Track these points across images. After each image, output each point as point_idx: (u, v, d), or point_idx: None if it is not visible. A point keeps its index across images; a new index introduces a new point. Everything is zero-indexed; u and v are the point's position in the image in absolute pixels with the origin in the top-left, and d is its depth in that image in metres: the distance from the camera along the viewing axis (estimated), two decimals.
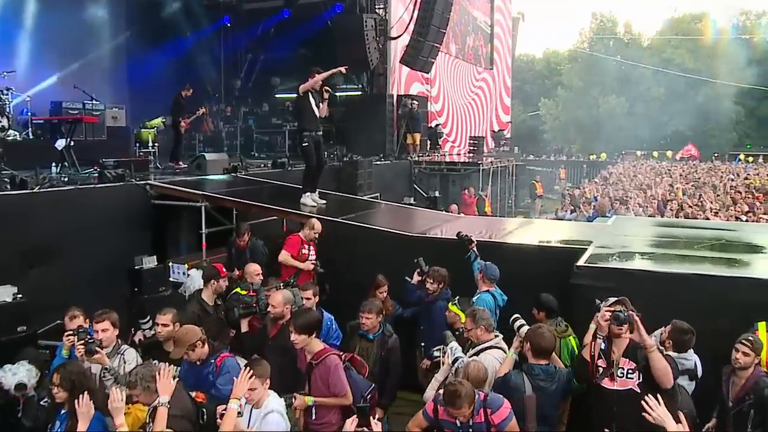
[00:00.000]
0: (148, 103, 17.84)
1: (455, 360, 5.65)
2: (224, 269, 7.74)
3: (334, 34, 21.00)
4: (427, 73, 23.23)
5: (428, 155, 23.41)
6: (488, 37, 35.55)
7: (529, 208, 27.34)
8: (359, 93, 23.05)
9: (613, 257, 7.74)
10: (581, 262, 7.19)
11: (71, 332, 5.76)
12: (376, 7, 21.44)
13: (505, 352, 5.74)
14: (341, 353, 5.76)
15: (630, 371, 4.94)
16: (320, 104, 11.07)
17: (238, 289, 7.39)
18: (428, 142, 24.32)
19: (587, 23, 72.86)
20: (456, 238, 8.30)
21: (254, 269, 8.00)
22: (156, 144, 14.42)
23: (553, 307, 6.61)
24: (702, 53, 63.66)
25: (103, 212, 9.87)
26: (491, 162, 22.88)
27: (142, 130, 14.57)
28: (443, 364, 5.78)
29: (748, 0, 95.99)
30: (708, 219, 13.58)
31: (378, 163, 19.10)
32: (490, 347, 5.83)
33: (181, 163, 14.25)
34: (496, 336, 5.97)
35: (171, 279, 9.28)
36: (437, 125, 26.34)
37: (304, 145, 11.04)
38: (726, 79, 62.11)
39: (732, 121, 63.95)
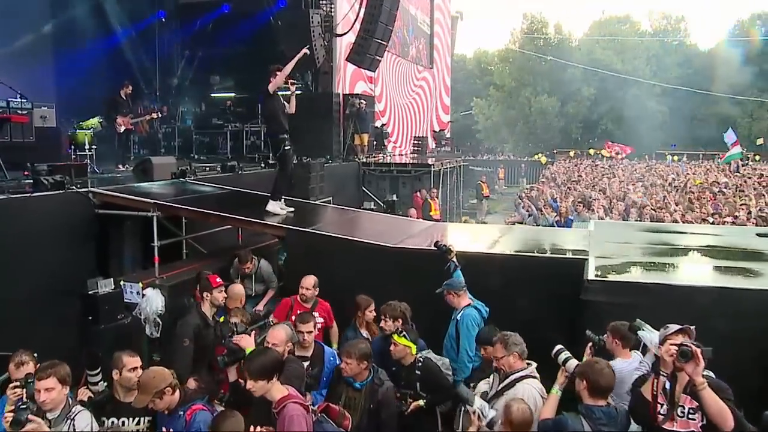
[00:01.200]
0: (78, 102, 16.57)
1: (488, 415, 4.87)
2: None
3: (279, 30, 20.13)
4: (374, 71, 22.55)
5: (374, 156, 22.70)
6: (428, 36, 35.09)
7: (475, 209, 27.03)
8: (300, 92, 22.17)
9: (621, 268, 7.20)
10: (590, 275, 6.59)
11: (18, 383, 4.70)
12: (321, 2, 20.59)
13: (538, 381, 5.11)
14: (306, 401, 4.84)
15: (691, 411, 4.29)
16: (288, 101, 10.26)
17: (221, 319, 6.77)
18: (374, 142, 23.62)
19: (518, 23, 73.47)
20: (435, 248, 7.64)
21: (238, 292, 7.19)
22: (94, 147, 13.15)
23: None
24: (629, 55, 65.19)
25: (40, 225, 8.79)
26: (442, 163, 22.31)
27: (78, 131, 13.29)
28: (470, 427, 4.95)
29: (669, 4, 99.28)
30: (677, 221, 13.33)
31: (326, 165, 18.32)
32: (525, 377, 5.15)
33: (121, 167, 13.14)
34: (529, 364, 5.28)
35: (125, 300, 8.30)
36: (382, 125, 25.66)
37: (286, 149, 10.20)
38: (652, 80, 63.98)
39: (659, 120, 65.77)
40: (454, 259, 7.38)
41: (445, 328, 6.92)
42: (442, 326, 6.96)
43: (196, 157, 19.39)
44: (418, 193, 19.96)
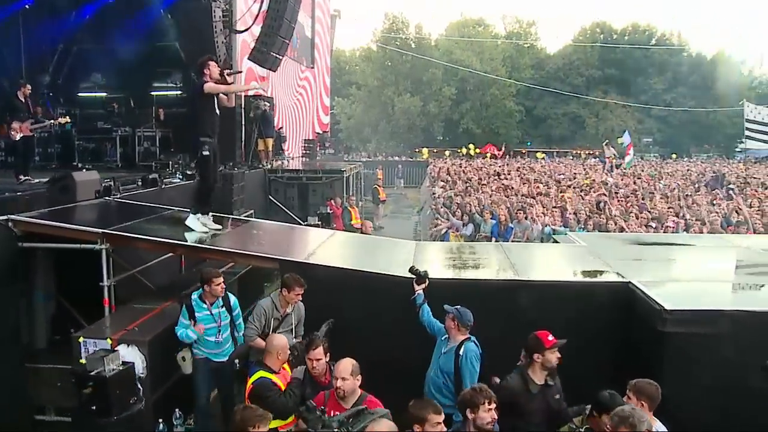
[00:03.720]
0: None
1: None
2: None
3: (173, 24, 18.25)
4: (275, 71, 21.07)
5: (275, 162, 21.27)
6: (310, 34, 33.80)
7: (372, 213, 26.20)
8: (179, 93, 20.38)
9: (686, 294, 6.62)
10: (667, 305, 6.01)
11: None
12: None
13: None
14: None
15: None
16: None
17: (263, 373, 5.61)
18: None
19: (380, 23, 73.56)
20: (412, 272, 6.88)
21: (283, 345, 5.84)
22: None
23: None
24: (486, 56, 67.11)
25: None
26: (351, 168, 21.25)
27: None
28: None
29: (521, 8, 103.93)
30: (624, 229, 13.12)
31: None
32: None
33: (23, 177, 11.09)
34: None
35: (83, 361, 6.63)
36: (280, 128, 24.18)
37: (204, 154, 8.74)
38: (506, 81, 66.38)
39: (515, 119, 68.38)
40: (421, 291, 6.78)
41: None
42: None
43: (79, 165, 17.07)
44: (333, 201, 18.80)
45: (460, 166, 33.25)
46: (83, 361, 6.61)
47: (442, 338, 6.42)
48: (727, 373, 5.71)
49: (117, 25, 19.06)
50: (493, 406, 4.67)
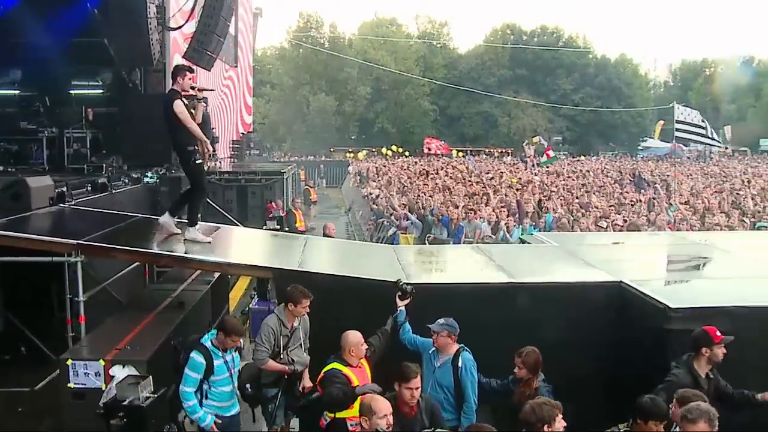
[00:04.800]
0: None
1: None
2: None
3: (106, 20, 17.28)
4: (209, 70, 20.38)
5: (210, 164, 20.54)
6: (233, 32, 32.90)
7: (303, 215, 25.78)
8: (102, 92, 19.37)
9: (684, 292, 6.74)
10: (670, 303, 6.10)
11: None
12: None
13: None
14: None
15: None
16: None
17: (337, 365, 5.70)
18: None
19: (294, 22, 72.66)
20: (397, 288, 6.53)
21: (356, 341, 5.81)
22: None
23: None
24: (400, 55, 67.58)
25: None
26: (289, 169, 20.80)
27: None
28: None
29: (434, 8, 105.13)
30: (575, 226, 13.38)
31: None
32: None
33: None
34: None
35: (71, 385, 6.13)
36: (212, 129, 23.34)
37: (197, 162, 8.26)
38: (420, 80, 67.10)
39: (429, 118, 69.19)
40: (404, 308, 6.51)
41: None
42: None
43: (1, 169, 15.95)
44: (274, 204, 18.34)
45: (384, 166, 33.20)
46: (72, 385, 6.15)
47: (430, 352, 6.19)
48: (727, 367, 5.80)
49: (37, 20, 17.88)
50: (559, 417, 4.52)
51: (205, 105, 19.61)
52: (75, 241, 7.09)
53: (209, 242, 8.10)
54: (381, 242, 17.06)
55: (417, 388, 5.24)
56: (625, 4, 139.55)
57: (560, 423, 4.44)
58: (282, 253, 8.33)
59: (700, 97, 75.51)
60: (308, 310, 6.38)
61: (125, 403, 5.00)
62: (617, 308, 6.94)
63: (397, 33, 70.89)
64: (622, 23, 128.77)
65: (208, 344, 6.04)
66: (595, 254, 9.00)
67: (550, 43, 71.68)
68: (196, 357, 5.93)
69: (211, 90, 8.59)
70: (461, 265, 8.50)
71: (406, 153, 55.05)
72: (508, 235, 14.26)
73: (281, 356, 6.33)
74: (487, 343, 6.34)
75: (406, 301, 6.48)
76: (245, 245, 8.67)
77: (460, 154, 56.17)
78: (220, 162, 23.31)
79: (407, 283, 6.50)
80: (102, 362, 6.09)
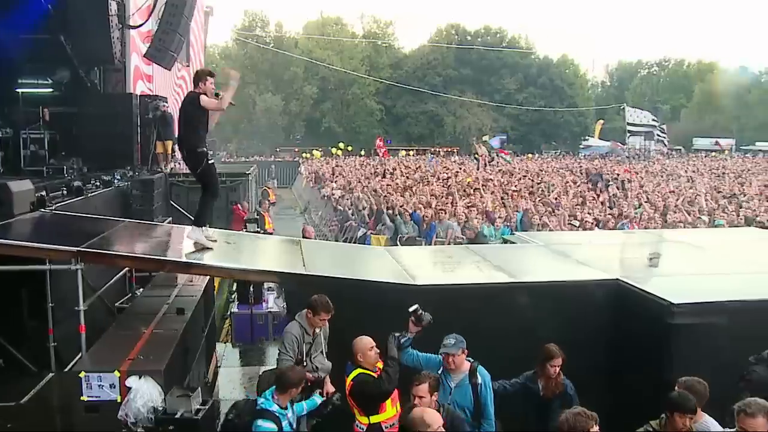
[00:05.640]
0: None
1: None
2: None
3: (63, 17, 16.71)
4: (170, 69, 19.96)
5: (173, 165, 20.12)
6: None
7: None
8: (54, 90, 18.74)
9: (678, 288, 6.92)
10: (674, 299, 6.32)
11: None
12: None
13: None
14: None
15: None
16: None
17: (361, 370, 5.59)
18: None
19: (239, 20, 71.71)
20: (414, 315, 6.10)
21: (362, 347, 5.69)
22: None
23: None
24: (346, 55, 67.53)
25: None
26: (252, 170, 20.52)
27: None
28: None
29: (379, 8, 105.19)
30: (546, 225, 13.62)
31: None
32: None
33: None
34: None
35: (84, 398, 5.93)
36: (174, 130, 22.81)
37: (209, 163, 8.04)
38: (366, 79, 67.21)
39: (375, 118, 69.35)
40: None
41: None
42: None
43: None
44: (239, 205, 18.07)
45: (337, 165, 33.11)
46: (85, 398, 5.96)
47: (439, 372, 5.84)
48: (728, 357, 6.01)
49: None
50: (597, 428, 4.46)
51: (167, 106, 19.35)
52: (75, 248, 6.82)
53: (211, 247, 7.89)
54: (348, 242, 17.06)
55: (422, 397, 5.18)
56: (564, 5, 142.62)
57: None
58: (283, 256, 8.19)
59: (637, 97, 77.85)
60: (325, 324, 6.30)
61: (178, 416, 4.84)
62: (616, 305, 7.09)
63: (343, 32, 70.86)
64: (562, 24, 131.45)
65: (274, 408, 5.45)
66: (583, 253, 9.13)
67: (494, 44, 72.75)
68: (266, 425, 5.37)
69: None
70: (461, 265, 8.52)
71: (362, 152, 55.04)
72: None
73: (305, 363, 6.25)
74: (491, 342, 6.37)
75: (418, 329, 6.05)
76: (244, 249, 8.48)
77: (410, 153, 56.37)
78: (178, 163, 22.78)
79: (424, 311, 6.13)
80: (117, 374, 5.90)
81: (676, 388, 5.27)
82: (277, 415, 5.34)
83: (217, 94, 7.75)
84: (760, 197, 21.34)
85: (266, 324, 11.57)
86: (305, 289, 6.77)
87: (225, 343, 11.55)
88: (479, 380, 5.83)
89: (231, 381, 9.98)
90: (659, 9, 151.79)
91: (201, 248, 7.82)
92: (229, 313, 12.02)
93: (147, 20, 18.10)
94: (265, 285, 11.86)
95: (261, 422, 5.23)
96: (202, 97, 7.66)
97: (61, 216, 9.14)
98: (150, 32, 19.64)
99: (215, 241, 8.13)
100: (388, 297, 6.86)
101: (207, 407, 5.20)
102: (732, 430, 4.83)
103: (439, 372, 5.85)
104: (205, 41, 38.75)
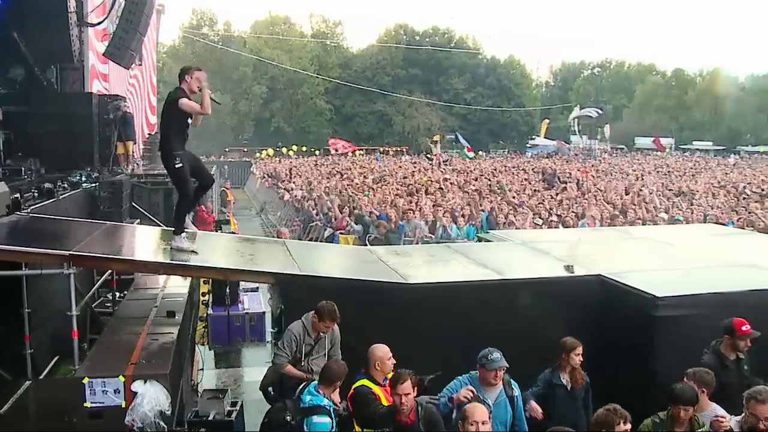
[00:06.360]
0: None
1: None
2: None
3: (17, 13, 16.22)
4: (128, 68, 19.58)
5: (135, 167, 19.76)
6: None
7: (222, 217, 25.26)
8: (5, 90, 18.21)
9: (657, 282, 7.19)
10: (657, 293, 6.60)
11: None
12: None
13: None
14: None
15: None
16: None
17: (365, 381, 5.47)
18: None
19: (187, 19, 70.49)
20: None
21: (380, 356, 5.57)
22: None
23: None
24: (295, 54, 67.21)
25: None
26: (214, 171, 20.25)
27: None
28: None
29: (327, 8, 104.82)
30: (512, 223, 13.93)
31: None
32: None
33: None
34: None
35: (88, 404, 5.85)
36: (134, 131, 22.31)
37: (177, 166, 7.77)
38: (315, 79, 67.03)
39: (325, 117, 69.23)
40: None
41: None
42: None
43: None
44: (203, 207, 17.85)
45: (293, 166, 33.00)
46: (88, 404, 5.88)
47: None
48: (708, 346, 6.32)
49: None
50: (628, 426, 4.68)
51: (127, 106, 18.95)
52: (67, 252, 6.69)
53: (194, 251, 7.74)
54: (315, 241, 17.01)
55: (407, 394, 5.15)
56: (510, 6, 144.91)
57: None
58: (273, 257, 8.17)
59: (581, 97, 79.64)
60: (330, 330, 6.30)
61: (211, 418, 4.82)
62: (599, 300, 7.31)
63: (291, 32, 70.52)
64: (508, 25, 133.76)
65: (325, 402, 5.41)
66: (559, 250, 9.36)
67: (442, 44, 73.38)
68: (322, 420, 5.34)
69: (219, 104, 8.20)
70: (448, 264, 8.64)
71: (316, 152, 54.89)
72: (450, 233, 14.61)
73: (302, 363, 6.26)
74: (483, 340, 6.48)
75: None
76: (230, 251, 8.42)
77: (357, 153, 56.49)
78: (137, 164, 22.38)
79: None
80: (122, 378, 5.83)
81: (685, 378, 5.51)
82: (329, 408, 5.34)
83: (200, 89, 7.58)
84: (707, 194, 22.23)
85: (243, 325, 11.47)
86: (303, 289, 6.83)
87: (202, 345, 11.42)
88: (516, 392, 5.78)
89: (210, 383, 9.89)
90: (601, 11, 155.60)
91: (187, 251, 7.73)
92: (205, 315, 11.87)
93: (105, 18, 17.71)
94: (241, 286, 11.80)
95: (317, 418, 5.19)
96: (182, 100, 7.48)
97: (37, 219, 8.91)
98: (105, 30, 19.24)
99: (194, 246, 8.03)
100: (388, 297, 6.92)
101: (237, 408, 5.15)
102: (735, 417, 5.10)
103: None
104: (157, 40, 38.11)
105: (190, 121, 7.76)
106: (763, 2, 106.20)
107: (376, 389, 5.54)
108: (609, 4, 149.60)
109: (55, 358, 8.89)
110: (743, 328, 6.05)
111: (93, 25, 17.97)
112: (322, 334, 6.32)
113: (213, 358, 11.26)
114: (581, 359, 6.13)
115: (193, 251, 7.58)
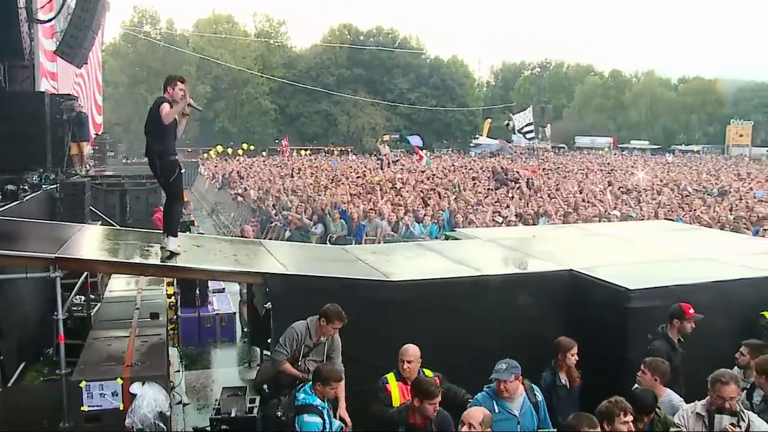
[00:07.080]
0: None
1: None
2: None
3: None
4: (80, 67, 19.14)
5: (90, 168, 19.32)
6: None
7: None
8: None
9: (630, 274, 7.52)
10: (630, 285, 6.92)
11: None
12: None
13: None
14: None
15: None
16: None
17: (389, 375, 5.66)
18: None
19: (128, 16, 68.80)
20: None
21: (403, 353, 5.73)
22: None
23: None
24: (239, 54, 66.56)
25: None
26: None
27: None
28: None
29: (271, 7, 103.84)
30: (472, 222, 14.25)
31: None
32: None
33: None
34: None
35: (85, 408, 5.82)
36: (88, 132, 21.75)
37: (181, 172, 7.88)
38: (260, 79, 66.50)
39: (270, 117, 68.77)
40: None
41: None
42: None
43: None
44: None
45: (244, 166, 32.76)
46: (85, 408, 5.85)
47: (497, 406, 5.47)
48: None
49: None
50: (630, 418, 4.75)
51: (82, 106, 18.56)
52: (53, 255, 6.60)
53: (179, 252, 7.72)
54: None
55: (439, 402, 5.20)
56: (452, 6, 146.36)
57: (621, 423, 4.70)
58: (256, 257, 8.18)
59: (522, 97, 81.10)
60: (337, 333, 6.37)
61: (233, 415, 4.84)
62: (572, 294, 7.57)
63: (235, 31, 69.77)
64: (450, 25, 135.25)
65: (317, 402, 5.42)
66: (528, 246, 9.66)
67: (386, 44, 73.70)
68: (312, 419, 5.33)
69: (200, 110, 8.19)
70: (426, 261, 8.79)
71: (263, 152, 54.46)
72: (413, 231, 14.81)
73: (299, 363, 6.32)
74: (467, 335, 6.81)
75: None
76: (211, 251, 8.37)
77: (302, 153, 56.28)
78: (88, 165, 21.87)
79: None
80: (120, 381, 5.81)
81: (641, 366, 5.75)
82: (320, 408, 5.35)
83: (189, 104, 7.60)
84: (652, 191, 23.05)
85: (214, 326, 11.43)
86: (291, 289, 6.90)
87: (172, 347, 11.30)
88: (539, 398, 5.72)
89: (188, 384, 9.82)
90: (540, 12, 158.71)
91: (171, 253, 7.70)
92: (176, 317, 11.74)
93: (56, 15, 17.28)
94: (210, 287, 11.76)
95: (307, 417, 5.18)
96: (163, 106, 7.47)
97: (11, 221, 8.73)
98: (53, 27, 18.81)
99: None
100: (363, 292, 7.04)
101: (257, 405, 5.20)
102: (700, 401, 5.32)
103: (496, 406, 5.45)
104: (103, 38, 37.22)
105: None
106: (696, 6, 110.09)
107: (394, 385, 5.72)
108: (548, 6, 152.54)
109: (22, 365, 8.76)
110: (690, 311, 6.44)
111: (43, 22, 17.48)
112: (323, 338, 6.36)
113: (185, 360, 11.15)
114: (576, 358, 6.27)
115: (177, 253, 7.60)
